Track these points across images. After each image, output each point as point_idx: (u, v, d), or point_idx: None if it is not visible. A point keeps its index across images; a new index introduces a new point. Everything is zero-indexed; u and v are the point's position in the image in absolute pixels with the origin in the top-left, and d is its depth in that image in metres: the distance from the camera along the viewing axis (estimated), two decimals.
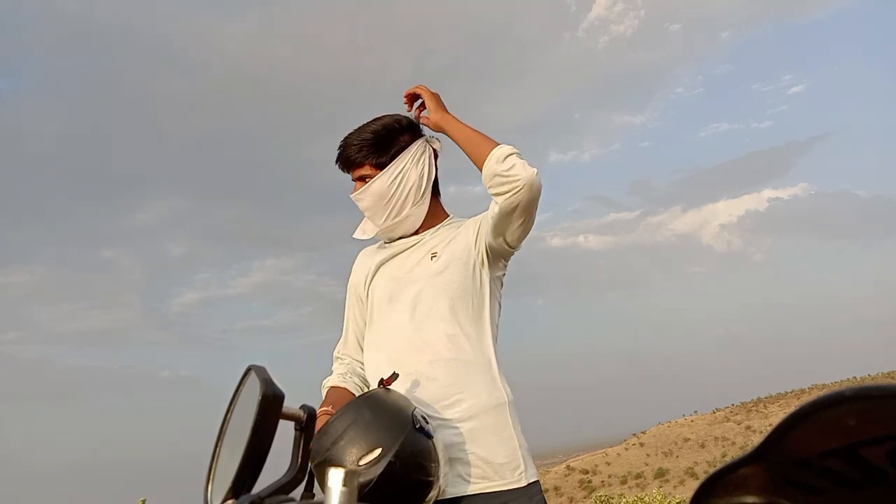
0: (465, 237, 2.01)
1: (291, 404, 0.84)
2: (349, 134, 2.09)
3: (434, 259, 1.98)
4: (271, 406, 0.62)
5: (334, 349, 2.16)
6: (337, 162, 2.09)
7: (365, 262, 2.14)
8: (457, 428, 1.79)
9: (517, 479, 1.79)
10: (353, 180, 2.10)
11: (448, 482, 1.75)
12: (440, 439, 1.69)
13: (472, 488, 1.77)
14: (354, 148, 2.05)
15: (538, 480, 1.86)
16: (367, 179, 2.04)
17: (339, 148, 2.08)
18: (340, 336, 2.16)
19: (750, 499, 0.43)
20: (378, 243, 2.18)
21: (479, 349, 1.90)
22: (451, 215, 2.15)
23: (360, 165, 2.06)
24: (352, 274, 2.18)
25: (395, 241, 2.12)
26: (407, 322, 1.93)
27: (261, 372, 0.65)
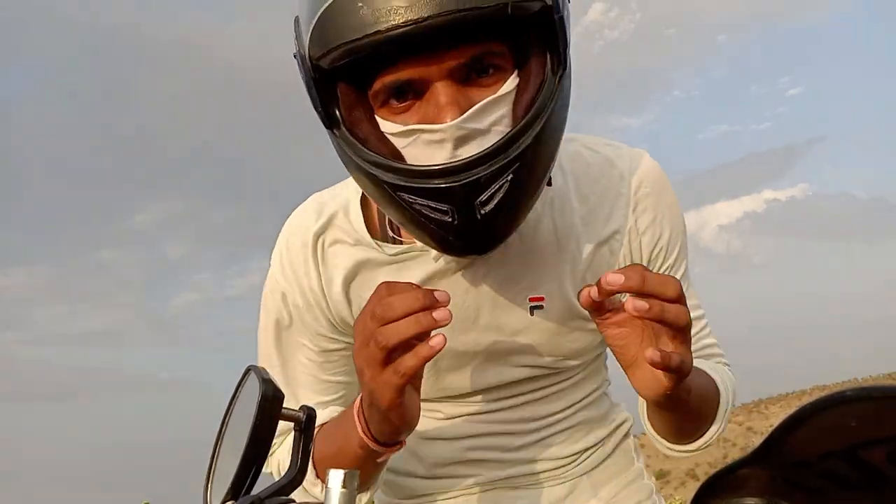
0: None
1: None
2: None
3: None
4: (271, 406, 0.62)
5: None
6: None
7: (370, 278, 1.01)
8: None
9: None
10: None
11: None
12: None
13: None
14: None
15: None
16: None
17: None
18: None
19: (750, 500, 0.43)
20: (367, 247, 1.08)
21: None
22: None
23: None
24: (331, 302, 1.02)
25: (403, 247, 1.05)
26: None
27: (260, 372, 0.65)
